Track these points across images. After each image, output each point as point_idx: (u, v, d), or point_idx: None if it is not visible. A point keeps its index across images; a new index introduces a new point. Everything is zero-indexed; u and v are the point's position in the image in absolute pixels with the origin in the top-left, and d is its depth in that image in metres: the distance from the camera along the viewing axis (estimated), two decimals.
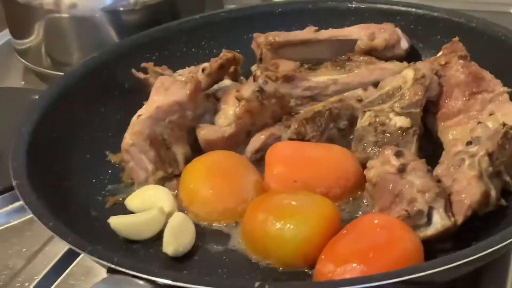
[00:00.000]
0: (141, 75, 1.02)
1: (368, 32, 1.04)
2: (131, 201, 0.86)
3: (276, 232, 0.74)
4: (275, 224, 0.75)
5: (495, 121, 0.86)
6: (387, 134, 0.88)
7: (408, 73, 0.93)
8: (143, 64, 1.03)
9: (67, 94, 0.96)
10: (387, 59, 1.04)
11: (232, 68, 1.04)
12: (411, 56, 1.05)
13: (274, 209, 0.77)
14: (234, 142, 0.93)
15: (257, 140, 0.92)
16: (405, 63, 1.01)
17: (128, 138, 0.87)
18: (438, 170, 0.82)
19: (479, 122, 0.87)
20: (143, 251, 0.80)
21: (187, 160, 0.90)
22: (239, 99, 0.92)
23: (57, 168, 0.87)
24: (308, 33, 1.06)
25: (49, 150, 0.88)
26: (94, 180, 0.90)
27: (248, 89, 0.93)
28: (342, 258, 0.69)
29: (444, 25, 1.06)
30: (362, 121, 0.92)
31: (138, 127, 0.86)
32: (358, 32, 1.05)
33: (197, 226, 0.82)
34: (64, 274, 0.83)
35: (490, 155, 0.78)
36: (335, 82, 0.98)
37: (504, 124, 0.81)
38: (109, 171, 0.92)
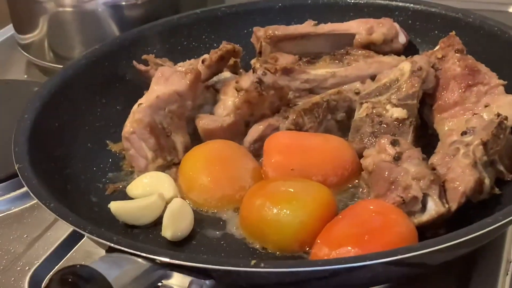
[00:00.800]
0: (142, 67, 1.03)
1: (366, 27, 1.06)
2: (132, 188, 0.87)
3: (272, 217, 0.76)
4: (272, 209, 0.76)
5: (490, 113, 0.88)
6: (384, 125, 0.90)
7: (405, 65, 0.94)
8: (144, 56, 1.04)
9: (69, 84, 0.98)
10: (385, 53, 1.05)
11: (231, 61, 1.05)
12: (409, 51, 1.07)
13: (271, 194, 0.78)
14: (233, 132, 0.94)
15: (255, 130, 0.94)
16: (402, 57, 1.02)
17: (128, 126, 0.88)
18: (434, 159, 0.83)
19: (475, 114, 0.89)
20: (143, 236, 0.81)
21: (187, 149, 0.91)
22: (238, 89, 0.93)
23: (59, 155, 0.89)
24: (307, 27, 1.07)
25: (51, 137, 0.90)
26: (95, 168, 0.92)
27: (247, 80, 0.95)
28: (337, 241, 0.70)
29: (441, 20, 1.08)
30: (359, 113, 0.93)
31: (138, 115, 0.88)
32: (357, 27, 1.06)
33: (195, 212, 0.83)
34: (64, 259, 0.84)
35: (484, 144, 0.79)
36: (333, 75, 0.99)
37: (498, 115, 0.82)
38: (110, 160, 0.94)
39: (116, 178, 0.91)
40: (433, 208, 0.75)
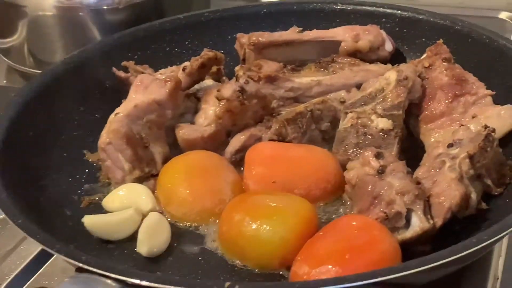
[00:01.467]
0: (121, 73, 1.01)
1: (352, 34, 1.03)
2: (108, 201, 0.84)
3: (252, 233, 0.73)
4: (251, 224, 0.73)
5: (477, 124, 0.85)
6: (369, 136, 0.87)
7: (391, 75, 0.92)
8: (124, 63, 1.02)
9: (46, 92, 0.95)
10: (371, 61, 1.03)
11: (214, 68, 1.03)
12: (396, 58, 1.05)
13: (251, 209, 0.76)
14: (214, 142, 0.91)
15: (237, 141, 0.91)
16: (389, 65, 1.00)
17: (105, 137, 0.85)
18: (419, 172, 0.80)
19: (462, 125, 0.87)
20: (118, 252, 0.78)
21: (166, 160, 0.89)
22: (219, 98, 0.91)
23: (33, 166, 0.86)
24: (292, 33, 1.05)
25: (24, 148, 0.86)
26: (70, 179, 0.89)
27: (229, 88, 0.92)
28: (317, 259, 0.67)
29: (429, 27, 1.05)
30: (344, 123, 0.90)
31: (115, 125, 0.85)
32: (343, 34, 1.04)
33: (173, 226, 0.80)
34: (37, 274, 0.81)
35: (471, 157, 0.77)
36: (318, 83, 0.97)
37: (485, 127, 0.80)
38: (86, 170, 0.91)
39: (92, 190, 0.88)
40: (418, 224, 0.72)
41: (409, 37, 1.07)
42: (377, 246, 0.68)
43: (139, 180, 0.86)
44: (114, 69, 1.01)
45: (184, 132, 0.90)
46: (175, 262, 0.77)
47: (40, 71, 1.17)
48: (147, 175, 0.87)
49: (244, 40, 1.05)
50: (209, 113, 0.92)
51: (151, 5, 1.24)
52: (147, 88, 0.90)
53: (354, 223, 0.72)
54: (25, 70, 1.28)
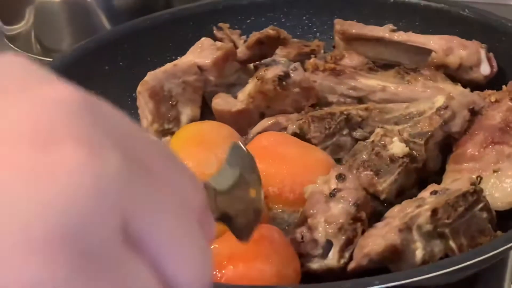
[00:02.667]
0: (218, 34, 1.05)
1: (447, 46, 0.92)
2: None
3: None
4: None
5: (494, 178, 0.73)
6: (377, 158, 0.79)
7: (440, 99, 0.81)
8: (220, 24, 1.05)
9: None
10: (463, 81, 0.91)
11: (307, 49, 1.01)
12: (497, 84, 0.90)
13: None
14: (244, 119, 0.90)
15: (262, 124, 0.89)
16: (466, 90, 0.88)
17: (139, 86, 0.91)
18: (394, 210, 0.72)
19: (479, 176, 0.74)
20: None
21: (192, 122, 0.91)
22: (258, 78, 0.89)
23: None
24: (384, 31, 0.97)
25: None
26: None
27: (274, 70, 0.90)
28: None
29: None
30: (370, 137, 0.83)
31: (147, 77, 0.90)
32: (436, 43, 0.93)
33: None
34: None
35: (434, 211, 0.66)
36: (383, 89, 0.91)
37: (473, 183, 0.68)
38: None
39: None
40: (329, 259, 0.66)
41: None
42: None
43: (158, 134, 0.91)
44: (214, 28, 1.05)
45: (217, 101, 0.91)
46: None
47: (46, 59, 1.20)
48: (168, 131, 0.91)
49: (337, 27, 1.01)
50: (247, 89, 0.92)
51: None
52: (202, 51, 0.93)
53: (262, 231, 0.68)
54: (32, 57, 1.21)
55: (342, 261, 0.66)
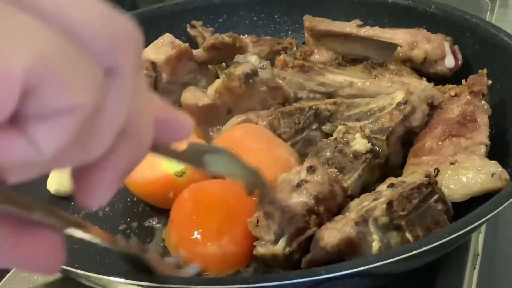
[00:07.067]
0: (192, 31, 1.06)
1: (411, 40, 0.94)
2: None
3: None
4: None
5: (449, 171, 0.74)
6: (341, 155, 0.80)
7: (399, 94, 0.83)
8: (193, 22, 1.07)
9: None
10: (429, 75, 0.93)
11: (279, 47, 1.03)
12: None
13: None
14: (211, 115, 0.91)
15: (232, 122, 0.90)
16: (430, 84, 0.90)
17: None
18: (353, 203, 0.74)
19: (436, 168, 0.76)
20: None
21: None
22: (226, 74, 0.91)
23: None
24: (351, 26, 0.99)
25: None
26: None
27: (242, 68, 0.91)
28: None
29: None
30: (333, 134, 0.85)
31: None
32: (401, 37, 0.95)
33: None
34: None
35: (389, 204, 0.68)
36: (350, 84, 0.92)
37: (427, 176, 0.70)
38: None
39: None
40: (276, 246, 0.68)
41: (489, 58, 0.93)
42: None
43: None
44: (188, 25, 1.07)
45: (185, 95, 0.92)
46: None
47: None
48: None
49: (306, 23, 1.03)
50: (215, 85, 0.93)
51: None
52: (160, 47, 0.93)
53: None
54: None
55: (287, 250, 0.67)
